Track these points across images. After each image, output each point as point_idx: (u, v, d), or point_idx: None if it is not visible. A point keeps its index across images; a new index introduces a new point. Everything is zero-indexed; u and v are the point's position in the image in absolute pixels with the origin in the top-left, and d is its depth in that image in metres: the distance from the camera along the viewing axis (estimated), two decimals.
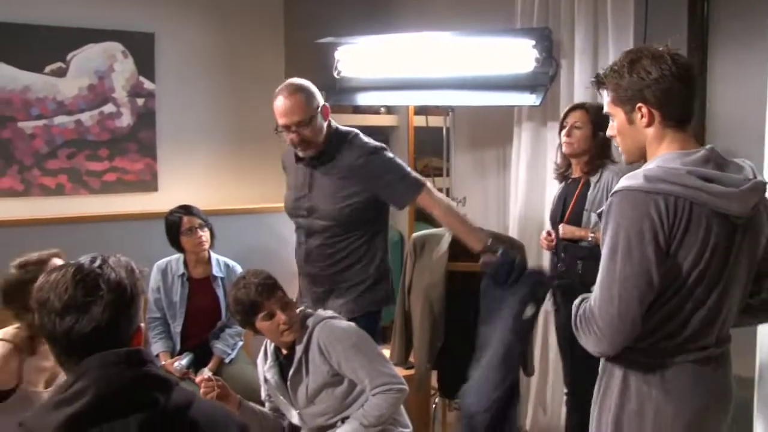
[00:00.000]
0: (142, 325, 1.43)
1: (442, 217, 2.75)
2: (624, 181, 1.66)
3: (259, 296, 2.31)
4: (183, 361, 3.03)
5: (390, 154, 2.77)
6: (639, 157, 1.79)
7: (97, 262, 1.37)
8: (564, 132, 2.91)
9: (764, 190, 1.70)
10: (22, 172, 3.76)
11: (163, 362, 3.22)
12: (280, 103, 2.63)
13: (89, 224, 3.71)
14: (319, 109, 2.67)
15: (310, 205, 2.77)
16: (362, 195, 2.69)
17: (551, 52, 3.29)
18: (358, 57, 3.80)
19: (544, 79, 3.28)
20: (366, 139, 2.79)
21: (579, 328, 1.68)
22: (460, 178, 3.91)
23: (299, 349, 2.37)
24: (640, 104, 1.72)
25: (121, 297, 1.35)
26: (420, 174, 4.51)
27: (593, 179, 2.85)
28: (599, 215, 1.78)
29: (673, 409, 1.68)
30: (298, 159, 2.80)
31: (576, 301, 1.73)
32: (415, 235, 3.37)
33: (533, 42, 3.21)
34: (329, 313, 2.48)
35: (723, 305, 1.69)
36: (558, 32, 3.34)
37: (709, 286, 1.66)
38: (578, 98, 3.24)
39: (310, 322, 2.40)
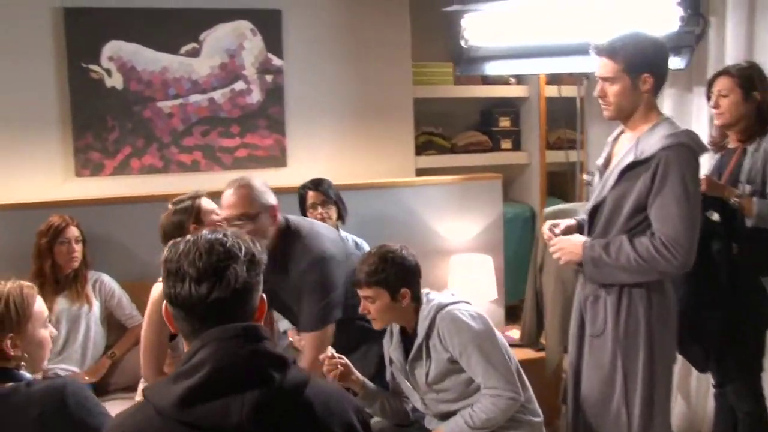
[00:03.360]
0: (264, 296, 1.40)
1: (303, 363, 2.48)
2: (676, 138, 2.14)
3: (359, 275, 2.31)
4: None
5: (326, 271, 2.48)
6: (622, 117, 2.29)
7: (221, 234, 1.37)
8: (711, 103, 2.65)
9: None
10: (162, 149, 3.91)
11: (291, 339, 3.27)
12: (225, 195, 2.47)
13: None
14: (266, 209, 2.47)
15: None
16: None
17: (698, 8, 2.99)
18: (486, 24, 3.65)
19: (690, 40, 3.00)
20: (317, 242, 2.52)
21: (658, 256, 2.11)
22: (595, 150, 3.68)
23: (420, 335, 2.30)
24: (646, 74, 2.20)
25: (252, 261, 1.35)
26: (552, 146, 4.36)
27: (750, 148, 2.57)
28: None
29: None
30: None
31: (624, 244, 2.16)
32: (547, 210, 3.21)
33: None
34: (452, 298, 2.37)
35: None
36: None
37: None
38: (731, 60, 2.93)
39: (432, 308, 2.31)
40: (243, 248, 1.34)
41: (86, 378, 2.99)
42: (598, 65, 2.28)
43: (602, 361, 2.28)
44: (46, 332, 1.79)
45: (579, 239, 2.31)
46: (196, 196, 2.57)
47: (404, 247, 2.38)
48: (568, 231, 2.43)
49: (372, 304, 2.31)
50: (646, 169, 2.16)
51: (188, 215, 2.51)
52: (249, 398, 1.24)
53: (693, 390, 3.23)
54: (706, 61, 3.07)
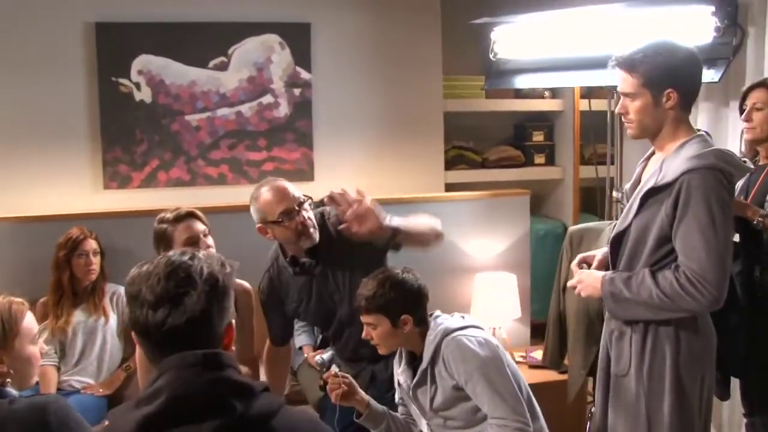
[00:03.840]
0: (234, 321, 1.36)
1: None
2: (701, 160, 1.91)
3: (358, 302, 2.24)
4: (325, 355, 2.98)
5: None
6: (648, 136, 2.06)
7: (188, 255, 1.33)
8: (744, 116, 2.50)
9: None
10: (189, 162, 3.93)
11: (306, 355, 3.22)
12: (273, 191, 2.40)
13: (248, 213, 3.80)
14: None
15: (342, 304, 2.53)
16: None
17: (735, 18, 2.84)
18: (516, 37, 3.55)
19: (726, 51, 2.85)
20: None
21: (683, 293, 1.90)
22: (628, 165, 3.54)
23: (425, 360, 2.21)
24: (670, 90, 1.97)
25: (214, 288, 1.29)
26: (587, 161, 4.22)
27: None
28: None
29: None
30: (299, 269, 2.50)
31: (647, 278, 1.96)
32: (572, 228, 3.10)
33: (712, 8, 2.79)
34: (460, 322, 2.26)
35: None
36: None
37: None
38: None
39: (439, 332, 2.20)
40: (206, 274, 1.29)
41: (101, 390, 3.00)
42: (618, 79, 2.08)
43: (627, 403, 2.09)
44: (35, 348, 1.78)
45: (598, 274, 2.09)
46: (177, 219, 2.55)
47: (407, 269, 2.28)
48: (600, 266, 2.18)
49: (374, 331, 2.23)
50: (668, 196, 1.94)
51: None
52: (207, 428, 1.20)
53: (725, 419, 3.06)
54: (744, 74, 2.92)
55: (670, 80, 1.98)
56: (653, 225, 1.99)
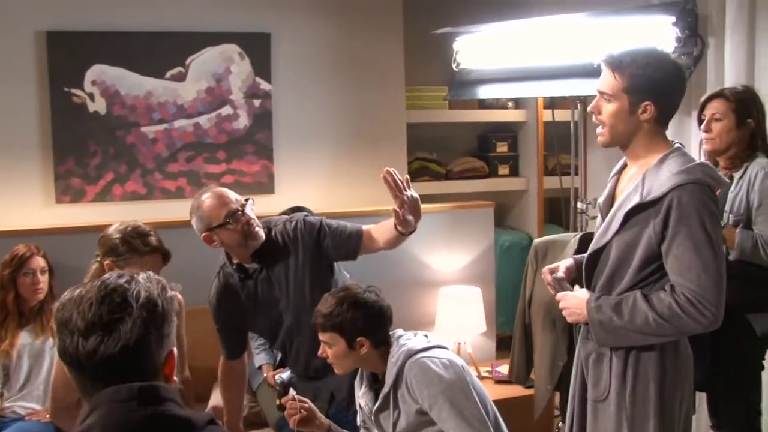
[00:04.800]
0: (175, 350, 1.26)
1: None
2: (689, 175, 1.82)
3: (315, 319, 2.17)
4: (284, 374, 2.89)
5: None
6: (619, 144, 1.96)
7: (125, 278, 1.23)
8: (703, 126, 2.49)
9: None
10: (145, 175, 3.82)
11: (265, 375, 3.12)
12: (214, 196, 2.42)
13: None
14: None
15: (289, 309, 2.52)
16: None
17: (696, 29, 2.85)
18: (479, 47, 3.52)
19: (687, 62, 2.85)
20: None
21: (683, 315, 1.81)
22: (591, 177, 3.52)
23: (388, 384, 2.12)
24: (648, 102, 1.88)
25: (152, 314, 1.20)
26: (551, 172, 4.21)
27: (737, 175, 2.41)
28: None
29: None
30: (244, 276, 2.51)
31: (639, 302, 1.85)
32: (536, 240, 3.05)
33: (673, 18, 2.79)
34: (424, 342, 2.17)
35: None
36: (705, 5, 2.89)
37: None
38: (730, 82, 2.78)
39: (402, 354, 2.11)
40: (143, 298, 1.20)
41: (47, 416, 2.85)
42: (601, 76, 1.97)
43: (607, 428, 1.98)
44: None
45: (583, 296, 1.98)
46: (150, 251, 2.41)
47: (371, 289, 2.20)
48: (568, 273, 2.09)
49: (330, 349, 2.15)
50: (656, 213, 1.83)
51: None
52: None
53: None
54: (705, 83, 2.93)
55: (652, 93, 1.88)
56: (639, 243, 1.88)
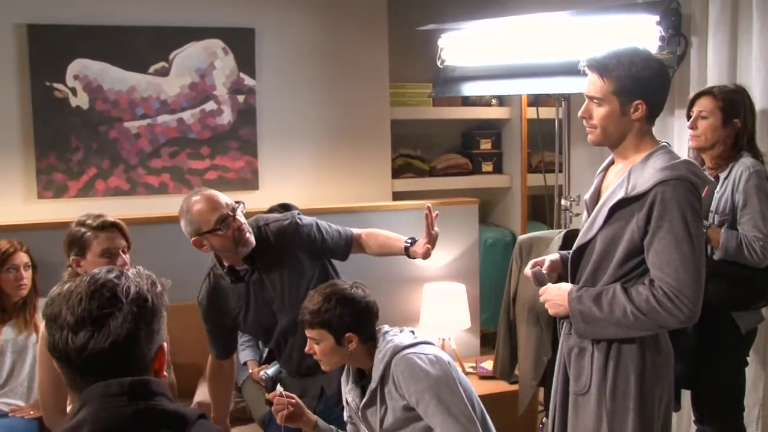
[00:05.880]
0: (165, 344, 1.26)
1: None
2: (673, 171, 1.85)
3: (302, 317, 2.17)
4: (270, 370, 2.89)
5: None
6: (609, 144, 2.00)
7: (114, 273, 1.23)
8: (689, 123, 2.52)
9: None
10: (128, 171, 3.79)
11: (250, 371, 3.12)
12: (205, 200, 2.36)
13: None
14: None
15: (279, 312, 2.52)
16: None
17: (679, 28, 2.88)
18: (463, 44, 3.52)
19: (671, 61, 2.88)
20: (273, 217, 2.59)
21: (660, 309, 1.83)
22: (575, 174, 3.55)
23: (374, 380, 2.12)
24: (639, 101, 1.91)
25: (142, 309, 1.20)
26: (535, 169, 4.24)
27: (722, 175, 2.44)
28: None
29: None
30: (236, 278, 2.48)
31: (619, 295, 1.88)
32: (521, 237, 3.07)
33: (657, 17, 2.82)
34: (410, 338, 2.19)
35: None
36: (688, 5, 2.92)
37: None
38: (712, 81, 2.81)
39: (388, 350, 2.12)
40: (133, 293, 1.20)
41: (32, 413, 2.82)
42: (587, 81, 1.99)
43: (588, 422, 2.01)
44: None
45: (565, 288, 2.00)
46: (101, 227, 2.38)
47: (357, 285, 2.21)
48: (552, 267, 2.12)
49: (317, 346, 2.15)
50: (640, 208, 1.86)
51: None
52: None
53: (674, 427, 3.08)
54: (688, 82, 2.96)
55: (641, 92, 1.91)
56: (622, 237, 1.91)
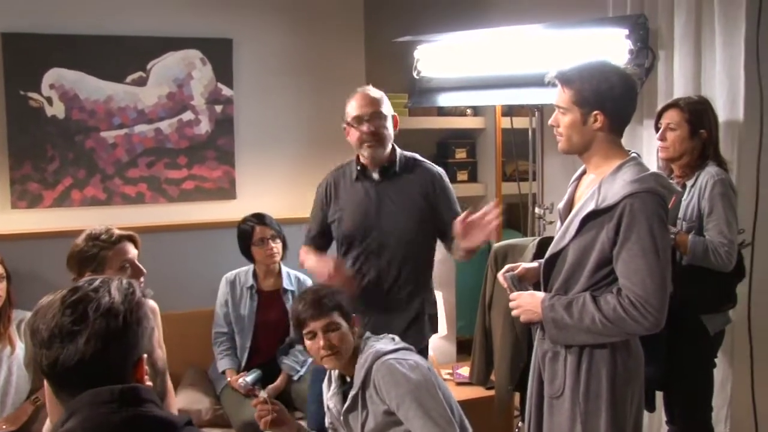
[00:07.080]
0: (145, 356, 1.27)
1: None
2: (642, 184, 1.91)
3: (305, 312, 2.15)
4: (248, 377, 2.92)
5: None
6: (576, 152, 2.08)
7: (94, 285, 1.24)
8: (658, 135, 2.60)
9: None
10: (105, 181, 3.78)
11: (228, 379, 3.13)
12: (362, 95, 2.62)
13: (168, 233, 3.70)
14: (391, 116, 2.70)
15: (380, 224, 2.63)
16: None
17: (647, 41, 2.96)
18: (439, 55, 3.59)
19: (639, 73, 2.94)
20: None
21: (626, 317, 1.90)
22: (549, 182, 3.62)
23: (356, 385, 2.17)
24: (597, 112, 1.99)
25: (110, 326, 1.20)
26: (509, 178, 4.31)
27: (689, 183, 2.52)
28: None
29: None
30: (360, 176, 2.69)
31: (588, 303, 1.95)
32: (496, 245, 3.12)
33: (626, 31, 2.90)
34: (391, 345, 2.23)
35: None
36: (655, 20, 3.00)
37: None
38: (679, 93, 2.90)
39: (370, 356, 2.17)
40: (103, 309, 1.20)
41: (4, 427, 2.80)
42: (556, 91, 2.10)
43: (562, 424, 2.07)
44: None
45: (538, 296, 2.08)
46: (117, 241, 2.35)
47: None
48: (527, 274, 2.20)
49: (334, 333, 2.22)
50: (610, 219, 1.93)
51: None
52: None
53: (645, 427, 3.15)
54: (656, 93, 3.04)
55: (598, 103, 1.99)
56: (593, 248, 1.98)
